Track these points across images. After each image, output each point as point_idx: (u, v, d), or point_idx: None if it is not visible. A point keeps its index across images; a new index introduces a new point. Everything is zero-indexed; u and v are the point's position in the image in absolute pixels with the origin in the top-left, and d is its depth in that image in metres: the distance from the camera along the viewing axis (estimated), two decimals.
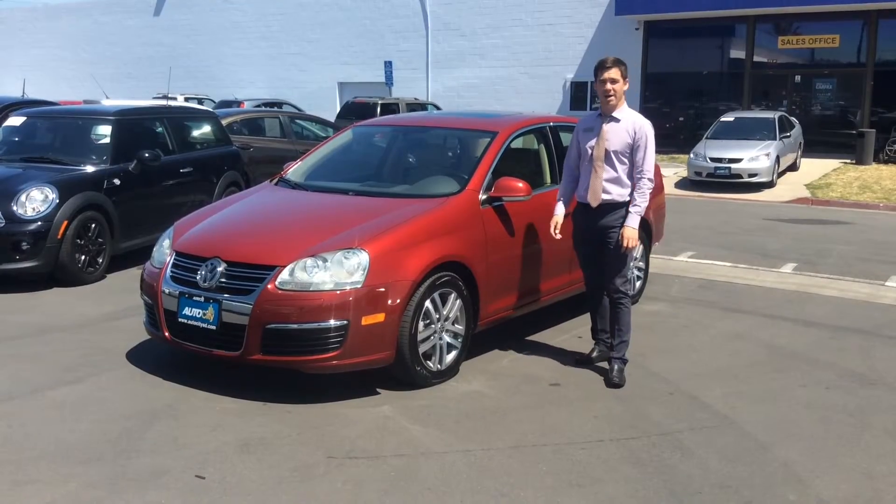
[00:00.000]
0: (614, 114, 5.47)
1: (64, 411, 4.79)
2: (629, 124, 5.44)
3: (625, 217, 5.42)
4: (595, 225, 5.53)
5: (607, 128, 5.46)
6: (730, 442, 4.54)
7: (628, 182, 5.47)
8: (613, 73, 5.39)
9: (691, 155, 18.30)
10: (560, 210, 5.74)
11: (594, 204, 5.49)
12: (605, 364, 5.74)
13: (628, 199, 5.45)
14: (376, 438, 4.48)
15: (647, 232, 7.60)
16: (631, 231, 5.39)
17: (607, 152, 5.45)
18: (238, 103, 24.10)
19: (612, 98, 5.41)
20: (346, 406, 4.92)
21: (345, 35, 31.42)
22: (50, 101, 13.33)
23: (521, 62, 27.98)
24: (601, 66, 5.44)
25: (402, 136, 7.01)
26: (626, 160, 5.45)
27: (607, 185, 5.46)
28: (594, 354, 5.83)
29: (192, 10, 35.05)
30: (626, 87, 5.46)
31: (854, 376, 5.67)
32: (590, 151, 5.52)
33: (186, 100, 20.69)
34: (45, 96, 17.51)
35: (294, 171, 6.58)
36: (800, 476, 4.14)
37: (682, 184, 18.22)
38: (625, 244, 5.39)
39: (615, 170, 5.45)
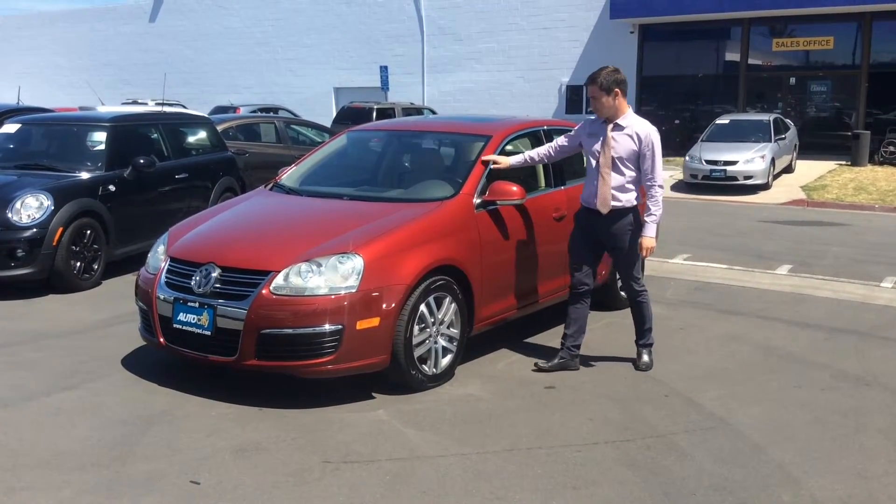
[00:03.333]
0: (618, 121, 5.54)
1: (59, 417, 4.79)
2: (634, 132, 5.51)
3: (635, 224, 5.58)
4: (604, 230, 5.63)
5: (613, 135, 5.53)
6: (724, 443, 4.54)
7: (634, 187, 5.57)
8: (590, 91, 5.56)
9: (687, 157, 18.34)
10: (515, 159, 5.99)
11: (604, 211, 5.58)
12: (565, 371, 5.69)
13: (635, 203, 5.59)
14: (372, 442, 4.48)
15: None
16: (649, 241, 5.55)
17: (613, 160, 5.52)
18: (234, 109, 24.13)
19: (598, 112, 5.59)
20: (341, 410, 4.93)
21: (340, 40, 31.45)
22: (45, 108, 13.33)
23: (516, 66, 28.04)
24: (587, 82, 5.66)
25: (396, 140, 7.02)
26: (632, 167, 5.54)
27: (616, 192, 5.54)
28: (554, 362, 5.71)
29: (187, 16, 35.07)
30: (616, 99, 5.48)
31: (849, 377, 5.68)
32: (595, 158, 5.61)
33: (157, 104, 20.80)
34: (40, 103, 17.52)
35: (289, 176, 6.59)
36: (794, 477, 4.15)
37: (678, 186, 18.24)
38: (644, 254, 5.59)
39: (622, 176, 5.54)
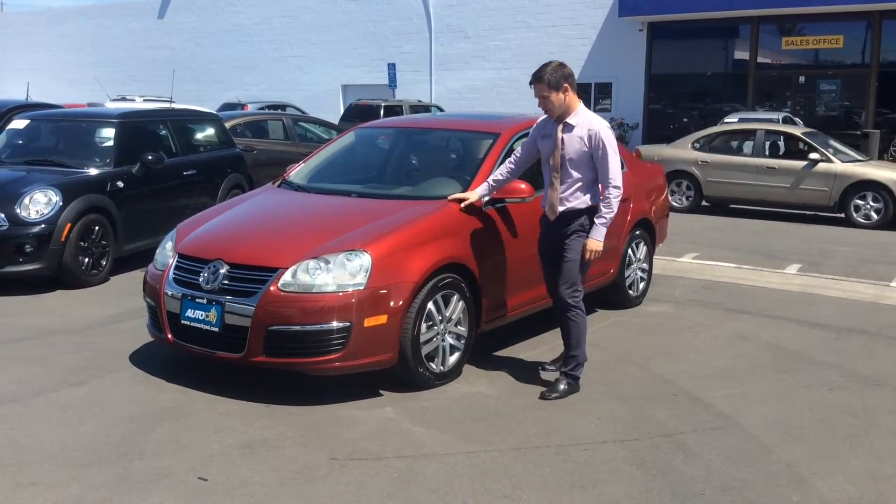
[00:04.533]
0: (568, 120, 5.16)
1: (67, 413, 4.79)
2: (583, 131, 5.12)
3: (582, 228, 5.16)
4: (555, 232, 5.29)
5: (563, 136, 5.17)
6: (733, 443, 4.52)
7: (588, 190, 5.19)
8: (537, 89, 5.14)
9: None
10: (479, 191, 5.55)
11: (552, 217, 5.27)
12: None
13: (590, 204, 5.19)
14: (379, 440, 4.48)
15: (651, 233, 7.59)
16: (595, 243, 5.13)
17: (563, 162, 5.17)
18: (242, 105, 24.15)
19: (548, 112, 5.22)
20: (348, 407, 4.92)
21: (348, 37, 31.44)
22: (54, 104, 13.35)
23: (524, 64, 27.92)
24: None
25: (404, 137, 7.01)
26: (585, 168, 5.15)
27: (564, 197, 5.20)
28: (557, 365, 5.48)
29: (195, 13, 35.11)
30: (566, 96, 5.10)
31: (858, 377, 5.66)
32: (547, 162, 5.31)
33: (145, 101, 20.97)
34: (49, 99, 17.54)
35: (297, 173, 6.59)
36: (804, 477, 4.13)
37: None
38: (587, 256, 5.14)
39: (573, 179, 5.17)
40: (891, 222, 12.81)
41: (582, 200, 5.19)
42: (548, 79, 5.09)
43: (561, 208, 5.22)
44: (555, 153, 5.21)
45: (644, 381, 5.50)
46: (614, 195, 5.12)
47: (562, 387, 5.19)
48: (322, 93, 31.56)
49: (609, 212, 5.13)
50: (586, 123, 5.14)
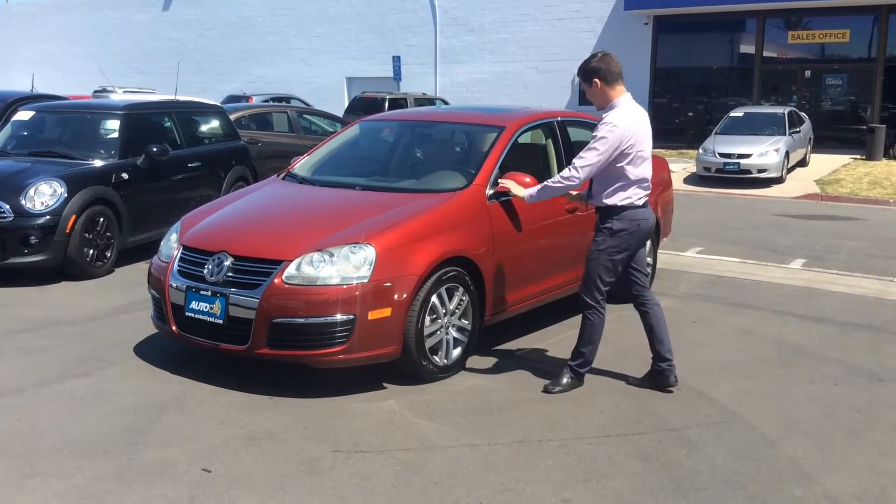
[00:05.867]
0: (602, 113, 5.10)
1: (72, 404, 4.81)
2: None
3: (598, 227, 5.09)
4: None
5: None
6: (737, 438, 4.52)
7: (607, 186, 5.01)
8: (581, 83, 5.16)
9: (700, 150, 18.26)
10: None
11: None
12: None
13: (604, 203, 5.03)
14: (383, 432, 4.48)
15: (655, 228, 7.57)
16: (517, 189, 5.34)
17: None
18: (246, 98, 24.16)
19: (594, 105, 5.14)
20: (352, 400, 4.93)
21: (353, 30, 31.42)
22: (59, 96, 13.36)
23: (529, 57, 27.94)
24: None
25: (409, 130, 7.00)
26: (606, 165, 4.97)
27: (592, 193, 5.14)
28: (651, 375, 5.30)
29: (200, 4, 35.10)
30: (599, 90, 5.00)
31: (862, 372, 5.65)
32: None
33: (126, 92, 21.06)
34: (53, 91, 17.55)
35: (301, 165, 6.59)
36: (807, 472, 4.13)
37: (691, 179, 18.17)
38: (499, 185, 5.45)
39: (600, 174, 5.01)
40: None
41: (599, 199, 5.07)
42: (581, 72, 5.11)
43: (590, 201, 5.18)
44: None
45: None
46: (566, 175, 5.01)
47: (565, 380, 5.20)
48: (327, 85, 31.57)
49: (555, 183, 5.09)
50: (603, 117, 5.03)
